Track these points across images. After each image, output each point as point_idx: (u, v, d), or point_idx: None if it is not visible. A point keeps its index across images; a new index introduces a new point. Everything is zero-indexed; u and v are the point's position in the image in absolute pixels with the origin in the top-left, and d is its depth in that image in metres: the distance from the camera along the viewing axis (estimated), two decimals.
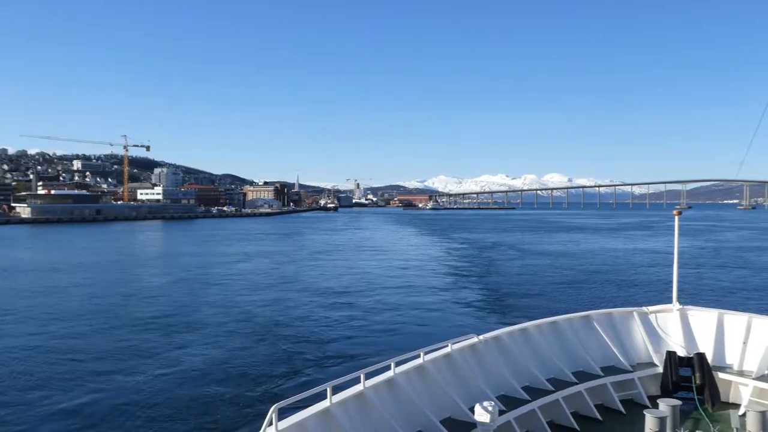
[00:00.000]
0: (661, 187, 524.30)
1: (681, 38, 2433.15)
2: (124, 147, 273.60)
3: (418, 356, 9.77)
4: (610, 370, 12.24)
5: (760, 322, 12.48)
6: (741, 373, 11.94)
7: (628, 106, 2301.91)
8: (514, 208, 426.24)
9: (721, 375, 11.93)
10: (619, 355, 12.62)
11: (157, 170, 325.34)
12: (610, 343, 12.77)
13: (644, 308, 13.61)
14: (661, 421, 8.53)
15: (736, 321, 12.76)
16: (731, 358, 12.41)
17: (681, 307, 13.32)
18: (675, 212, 14.10)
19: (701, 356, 11.92)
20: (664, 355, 12.37)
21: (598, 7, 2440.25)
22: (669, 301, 13.52)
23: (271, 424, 6.79)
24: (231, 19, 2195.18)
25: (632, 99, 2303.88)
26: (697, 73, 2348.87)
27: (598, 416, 11.10)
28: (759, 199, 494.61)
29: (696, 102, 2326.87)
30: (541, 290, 42.40)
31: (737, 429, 9.65)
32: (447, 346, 10.40)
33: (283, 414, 7.00)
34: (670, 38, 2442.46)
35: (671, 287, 13.85)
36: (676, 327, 13.17)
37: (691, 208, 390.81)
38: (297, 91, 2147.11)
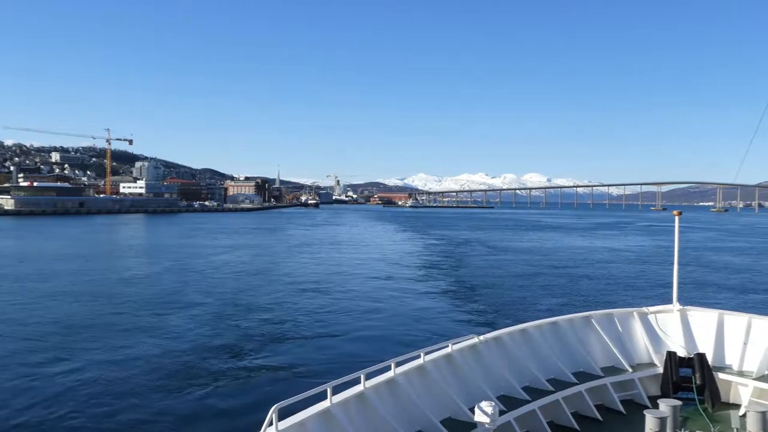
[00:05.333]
0: (638, 189, 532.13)
1: (660, 40, 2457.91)
2: (107, 140, 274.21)
3: (418, 356, 9.84)
4: (611, 370, 12.34)
5: (760, 322, 12.61)
6: (741, 374, 12.01)
7: (609, 107, 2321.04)
8: (492, 207, 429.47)
9: (721, 375, 12.00)
10: (619, 356, 12.65)
11: (138, 164, 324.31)
12: (610, 344, 12.81)
13: (644, 308, 13.71)
14: (662, 421, 8.64)
15: (736, 321, 12.86)
16: (731, 358, 12.49)
17: (681, 307, 13.41)
18: (675, 213, 14.43)
19: (701, 356, 11.98)
20: (665, 356, 12.41)
21: (579, 8, 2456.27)
22: (661, 301, 13.95)
23: (271, 424, 6.84)
24: (212, 14, 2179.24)
25: (613, 100, 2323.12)
26: (677, 75, 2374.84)
27: (599, 416, 11.17)
28: (732, 201, 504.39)
29: (675, 104, 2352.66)
30: (505, 282, 45.50)
31: (737, 429, 9.72)
32: (447, 346, 10.49)
33: (283, 414, 7.05)
34: (650, 39, 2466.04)
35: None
36: (676, 327, 13.25)
37: (665, 210, 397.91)
38: (278, 87, 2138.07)
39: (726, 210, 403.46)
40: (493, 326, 28.96)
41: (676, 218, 14.27)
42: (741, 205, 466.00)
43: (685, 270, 54.12)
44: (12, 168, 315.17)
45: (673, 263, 14.28)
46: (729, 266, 60.18)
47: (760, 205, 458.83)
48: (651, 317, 13.51)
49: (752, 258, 70.17)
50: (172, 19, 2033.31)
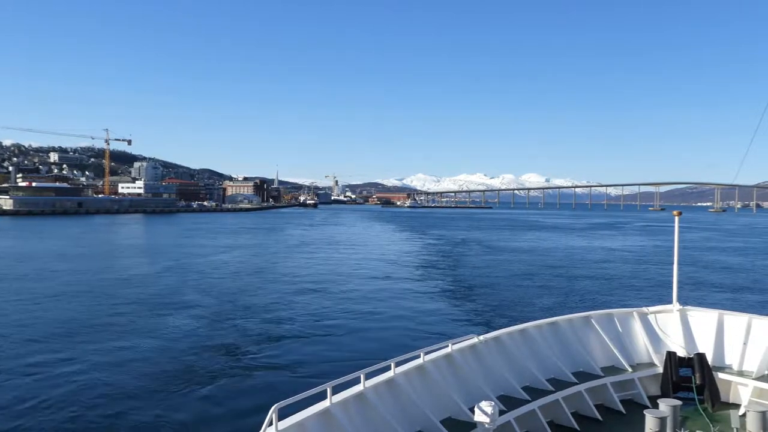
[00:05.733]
0: (636, 189, 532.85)
1: (658, 40, 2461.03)
2: (106, 141, 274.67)
3: (418, 356, 9.83)
4: (610, 370, 12.34)
5: (760, 322, 12.61)
6: (741, 374, 12.02)
7: (607, 107, 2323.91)
8: (491, 208, 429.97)
9: (721, 375, 12.00)
10: (619, 356, 12.65)
11: (137, 164, 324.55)
12: (610, 344, 12.81)
13: (644, 308, 13.72)
14: (662, 421, 8.66)
15: (736, 321, 12.86)
16: (731, 358, 12.50)
17: (681, 307, 13.41)
18: (675, 213, 14.38)
19: (701, 356, 11.99)
20: (664, 356, 12.43)
21: (578, 8, 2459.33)
22: (667, 301, 13.79)
23: (271, 424, 6.83)
24: (212, 14, 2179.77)
25: (611, 101, 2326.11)
26: (675, 76, 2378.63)
27: (599, 416, 11.16)
28: (730, 202, 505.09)
29: (673, 105, 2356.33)
30: (503, 282, 45.95)
31: (737, 429, 9.64)
32: (447, 346, 10.47)
33: (283, 414, 7.05)
34: (648, 40, 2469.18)
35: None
36: (676, 327, 13.25)
37: (664, 210, 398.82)
38: (276, 87, 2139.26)
39: (724, 210, 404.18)
40: (489, 325, 29.25)
41: (676, 218, 14.20)
42: (739, 206, 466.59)
43: (682, 270, 54.33)
44: (10, 168, 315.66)
45: (672, 263, 14.25)
46: (724, 266, 60.44)
47: (758, 206, 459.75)
48: (651, 317, 13.51)
49: (748, 258, 70.48)
50: (172, 19, 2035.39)
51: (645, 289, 43.02)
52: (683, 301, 13.63)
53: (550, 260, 63.61)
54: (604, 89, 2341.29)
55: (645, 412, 9.01)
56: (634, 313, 13.55)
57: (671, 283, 14.17)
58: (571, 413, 10.87)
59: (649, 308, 13.72)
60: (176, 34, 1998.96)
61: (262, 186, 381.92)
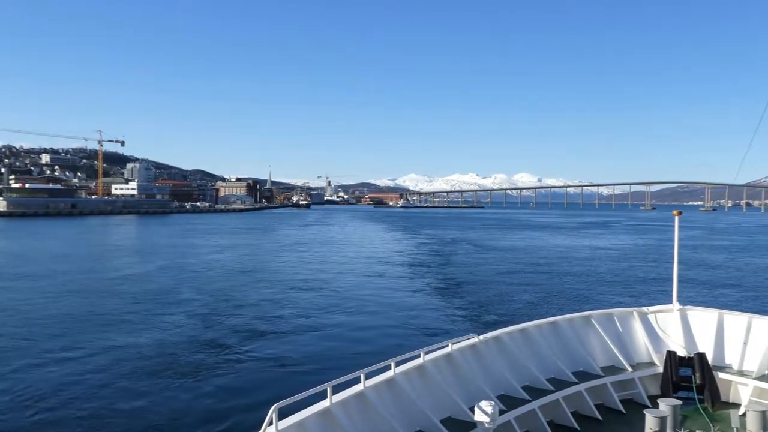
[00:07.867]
0: (627, 188, 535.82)
1: (649, 40, 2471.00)
2: (99, 142, 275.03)
3: (418, 356, 9.85)
4: (611, 369, 12.34)
5: (760, 322, 12.61)
6: (741, 373, 12.03)
7: (600, 107, 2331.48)
8: (483, 207, 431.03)
9: (721, 375, 12.02)
10: (619, 355, 12.66)
11: (129, 165, 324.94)
12: (610, 343, 12.82)
13: (644, 308, 13.72)
14: (662, 420, 8.66)
15: (736, 321, 12.87)
16: (731, 358, 12.51)
17: (681, 307, 13.40)
18: (675, 213, 14.36)
19: (701, 356, 12.01)
20: (665, 355, 12.45)
21: (570, 8, 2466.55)
22: (669, 300, 13.74)
23: (271, 423, 6.86)
24: (205, 14, 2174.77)
25: (603, 101, 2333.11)
26: (667, 76, 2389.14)
27: (599, 416, 11.19)
28: (721, 201, 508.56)
29: (665, 105, 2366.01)
30: (492, 279, 46.66)
31: (737, 429, 9.75)
32: (447, 346, 10.50)
33: (283, 413, 7.08)
34: (638, 40, 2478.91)
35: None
36: (676, 327, 13.26)
37: (655, 209, 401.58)
38: (269, 88, 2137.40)
39: (714, 209, 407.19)
40: (480, 320, 30.20)
41: (676, 218, 14.17)
42: (729, 204, 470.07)
43: (663, 267, 55.40)
44: (2, 170, 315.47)
45: (672, 262, 14.36)
46: (710, 263, 61.45)
47: (748, 204, 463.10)
48: (651, 317, 13.55)
49: (731, 254, 71.88)
50: (167, 20, 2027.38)
51: (634, 285, 43.77)
52: (681, 300, 13.73)
53: (540, 258, 64.35)
54: (596, 89, 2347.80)
55: (645, 411, 9.03)
56: (634, 312, 13.61)
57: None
58: (571, 413, 10.94)
59: (649, 308, 13.78)
60: (170, 34, 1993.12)
61: (254, 187, 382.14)
